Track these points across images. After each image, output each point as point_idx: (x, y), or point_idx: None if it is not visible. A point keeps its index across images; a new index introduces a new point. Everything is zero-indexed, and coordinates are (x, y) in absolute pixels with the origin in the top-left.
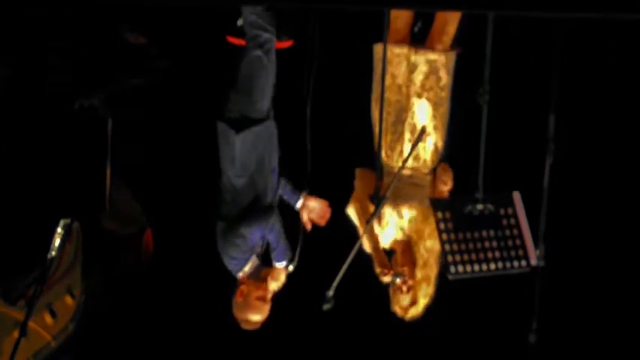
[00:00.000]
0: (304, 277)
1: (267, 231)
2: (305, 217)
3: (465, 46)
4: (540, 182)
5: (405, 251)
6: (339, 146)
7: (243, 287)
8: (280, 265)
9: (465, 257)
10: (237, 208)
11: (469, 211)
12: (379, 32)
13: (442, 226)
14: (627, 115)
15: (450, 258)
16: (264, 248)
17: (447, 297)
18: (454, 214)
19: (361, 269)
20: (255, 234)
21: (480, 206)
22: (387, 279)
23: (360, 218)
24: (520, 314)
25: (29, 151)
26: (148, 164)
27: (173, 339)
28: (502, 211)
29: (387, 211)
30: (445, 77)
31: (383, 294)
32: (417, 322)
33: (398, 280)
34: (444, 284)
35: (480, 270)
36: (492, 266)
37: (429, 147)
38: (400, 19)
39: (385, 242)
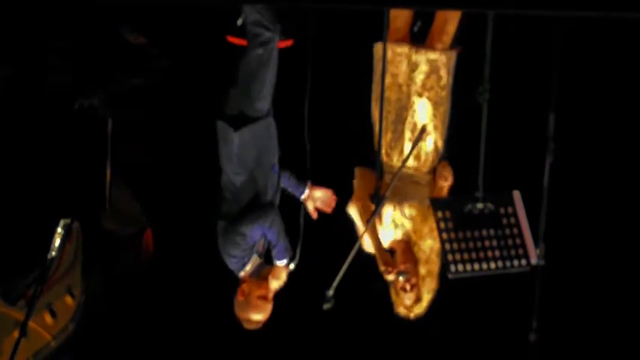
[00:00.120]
0: (305, 277)
1: (267, 229)
2: (311, 207)
3: (464, 45)
4: (540, 181)
5: (406, 251)
6: (338, 146)
7: (244, 286)
8: (281, 263)
9: (465, 256)
10: (238, 206)
11: (469, 210)
12: (379, 32)
13: (442, 225)
14: (627, 115)
15: (450, 257)
16: (266, 247)
17: (447, 296)
18: (454, 214)
19: (361, 269)
20: (255, 232)
21: (480, 205)
22: (390, 277)
23: (361, 218)
24: (520, 313)
25: (29, 151)
26: (148, 164)
27: (174, 339)
28: (502, 210)
29: (387, 211)
30: (445, 76)
31: (383, 293)
32: (417, 321)
33: (401, 278)
34: (444, 284)
35: (480, 269)
36: (492, 265)
37: (429, 146)
38: (400, 18)
39: (385, 242)
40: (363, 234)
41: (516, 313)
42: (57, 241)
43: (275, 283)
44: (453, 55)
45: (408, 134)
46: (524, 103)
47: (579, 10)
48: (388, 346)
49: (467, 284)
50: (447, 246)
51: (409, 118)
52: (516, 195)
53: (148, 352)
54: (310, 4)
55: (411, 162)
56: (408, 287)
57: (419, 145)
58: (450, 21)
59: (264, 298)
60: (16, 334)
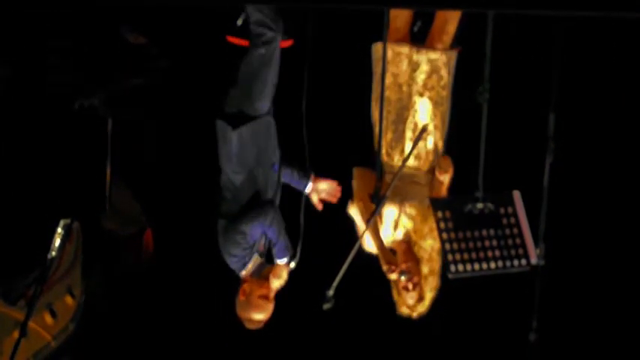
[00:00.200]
0: (305, 277)
1: (267, 227)
2: (315, 199)
3: (464, 45)
4: (540, 181)
5: (407, 251)
6: (338, 146)
7: (245, 286)
8: (281, 261)
9: (465, 256)
10: (238, 205)
11: (469, 210)
12: (379, 32)
13: (442, 225)
14: (627, 114)
15: (450, 257)
16: (267, 247)
17: (447, 296)
18: (454, 213)
19: (362, 269)
20: (255, 230)
21: (480, 205)
22: (393, 276)
23: (362, 218)
24: (520, 313)
25: (29, 151)
26: (148, 164)
27: (174, 339)
28: (502, 210)
29: (389, 211)
30: (446, 76)
31: (383, 293)
32: (418, 321)
33: (403, 278)
34: (444, 284)
35: (480, 269)
36: (492, 265)
37: (430, 146)
38: (400, 18)
39: (386, 243)
40: (363, 233)
41: (516, 313)
42: (57, 241)
43: (276, 282)
44: (454, 54)
45: (409, 134)
46: (524, 103)
47: (579, 9)
48: (388, 345)
49: (467, 284)
50: (447, 246)
51: (410, 118)
52: (516, 195)
53: (149, 352)
54: (310, 3)
55: (411, 162)
56: (410, 287)
57: (419, 144)
58: (450, 21)
59: (266, 297)
60: (16, 334)
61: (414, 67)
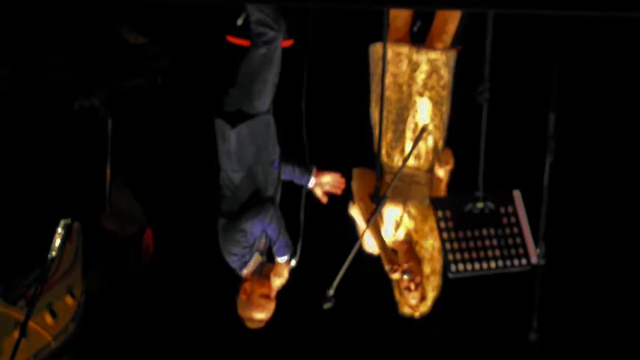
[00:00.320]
0: (305, 277)
1: (267, 224)
2: (319, 192)
3: (464, 44)
4: (540, 180)
5: (408, 251)
6: (338, 146)
7: (247, 285)
8: (282, 259)
9: (466, 256)
10: (237, 203)
11: (469, 210)
12: (379, 31)
13: (442, 224)
14: (627, 113)
15: (450, 257)
16: (267, 246)
17: (447, 295)
18: (454, 213)
19: (362, 268)
20: (255, 228)
21: (480, 205)
22: (396, 276)
23: (363, 219)
24: (520, 313)
25: (29, 151)
26: (148, 164)
27: (175, 339)
28: (502, 210)
29: (390, 211)
30: (446, 76)
31: (383, 292)
32: (418, 321)
33: (406, 277)
34: (444, 283)
35: (481, 268)
36: (493, 265)
37: (430, 145)
38: (400, 18)
39: (387, 242)
40: (363, 233)
41: (516, 312)
42: (57, 241)
43: (277, 281)
44: (454, 54)
45: (409, 134)
46: (524, 103)
47: (579, 9)
48: (389, 344)
49: (467, 283)
50: (447, 245)
51: (410, 118)
52: (516, 194)
53: (149, 352)
54: (310, 3)
55: (411, 161)
56: (412, 287)
57: (419, 144)
58: (450, 20)
59: (267, 296)
60: (16, 334)
61: (414, 67)
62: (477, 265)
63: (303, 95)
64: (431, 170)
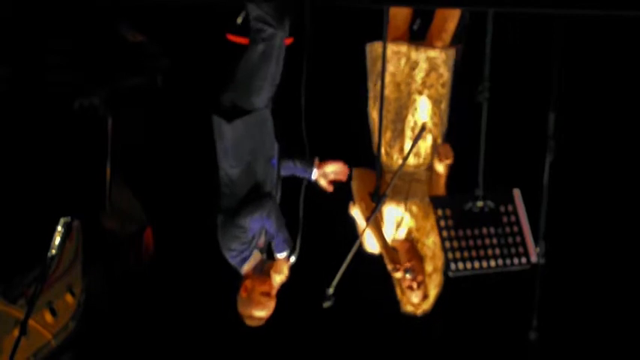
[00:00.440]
0: (305, 277)
1: (266, 219)
2: (324, 182)
3: (464, 43)
4: (540, 179)
5: (409, 250)
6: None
7: (247, 282)
8: (281, 255)
9: (466, 254)
10: (236, 199)
11: (469, 209)
12: (378, 30)
13: (442, 223)
14: (627, 113)
15: (450, 255)
16: (267, 243)
17: (447, 294)
18: (454, 212)
19: (361, 267)
20: (254, 224)
21: (480, 203)
22: (398, 275)
23: (364, 218)
24: (520, 312)
25: (29, 151)
26: (148, 163)
27: (175, 337)
28: (502, 209)
29: (391, 210)
30: (446, 74)
31: (383, 292)
32: (418, 320)
33: (408, 275)
34: (444, 282)
35: (481, 267)
36: (492, 263)
37: (429, 144)
38: (399, 16)
39: (388, 241)
40: (363, 231)
41: (516, 311)
42: (57, 240)
43: (277, 278)
44: (453, 52)
45: (408, 133)
46: (525, 102)
47: (579, 8)
48: (389, 344)
49: (467, 282)
50: (447, 244)
51: (409, 117)
52: (516, 193)
53: (149, 350)
54: (310, 1)
55: (411, 160)
56: (415, 285)
57: (419, 143)
58: (449, 19)
59: (268, 294)
60: (16, 332)
61: (413, 65)
62: (476, 264)
63: (302, 96)
64: (431, 167)
